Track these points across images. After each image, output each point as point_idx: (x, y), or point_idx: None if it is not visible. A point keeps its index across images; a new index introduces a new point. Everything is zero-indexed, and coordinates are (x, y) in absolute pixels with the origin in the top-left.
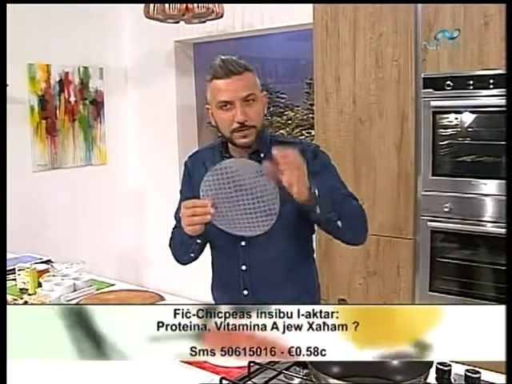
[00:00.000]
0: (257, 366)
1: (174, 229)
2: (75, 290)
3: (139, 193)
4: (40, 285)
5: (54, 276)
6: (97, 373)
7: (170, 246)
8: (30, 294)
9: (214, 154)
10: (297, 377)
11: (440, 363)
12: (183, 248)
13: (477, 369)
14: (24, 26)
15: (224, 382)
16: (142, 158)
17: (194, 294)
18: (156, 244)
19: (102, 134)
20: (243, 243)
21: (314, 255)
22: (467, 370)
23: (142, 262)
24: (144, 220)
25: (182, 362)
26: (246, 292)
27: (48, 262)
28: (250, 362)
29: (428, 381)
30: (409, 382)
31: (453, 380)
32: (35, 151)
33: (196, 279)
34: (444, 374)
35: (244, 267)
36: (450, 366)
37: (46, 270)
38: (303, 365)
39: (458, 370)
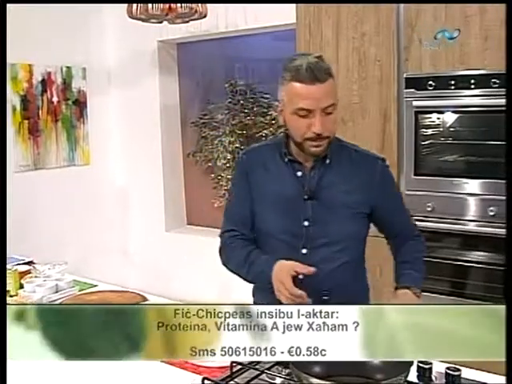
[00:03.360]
0: (239, 366)
1: (224, 232)
2: (57, 291)
3: (123, 193)
4: (22, 286)
5: (36, 277)
6: (79, 373)
7: (220, 252)
8: (11, 296)
9: (274, 155)
10: (279, 376)
11: (421, 361)
12: (239, 269)
13: (457, 366)
14: (6, 24)
15: (206, 382)
16: (126, 159)
17: (178, 295)
18: (140, 244)
19: (85, 134)
20: (304, 251)
21: None
22: (448, 368)
23: (126, 263)
24: (128, 220)
25: (165, 362)
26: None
27: (30, 263)
28: (232, 362)
29: (409, 379)
30: (389, 380)
31: (434, 378)
32: (17, 152)
33: (179, 279)
34: (425, 372)
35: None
36: (430, 364)
37: (28, 272)
38: (285, 364)
39: (438, 368)
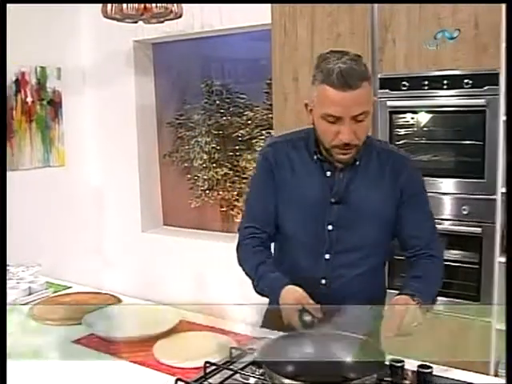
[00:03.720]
0: (213, 367)
1: (243, 229)
2: (31, 294)
3: (99, 194)
4: None
5: (9, 279)
6: (49, 373)
7: (237, 249)
8: None
9: (301, 151)
10: (253, 376)
11: (393, 360)
12: (250, 276)
13: (428, 364)
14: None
15: (179, 383)
16: (102, 159)
17: (154, 296)
18: (116, 245)
19: (60, 134)
20: (327, 256)
21: None
22: (419, 366)
23: (102, 264)
24: (104, 221)
25: (139, 363)
26: None
27: None
28: (206, 363)
29: (381, 376)
30: (362, 379)
31: (405, 376)
32: None
33: (156, 280)
34: (397, 371)
35: (324, 281)
36: (402, 362)
37: None
38: (259, 365)
39: (410, 366)
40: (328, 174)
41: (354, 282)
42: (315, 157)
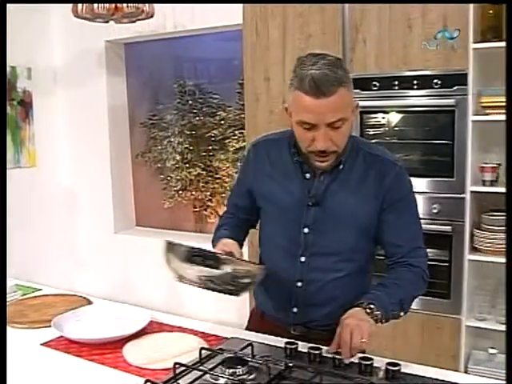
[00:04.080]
0: (183, 368)
1: (224, 213)
2: None
3: (71, 195)
4: None
5: None
6: (17, 378)
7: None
8: None
9: (283, 152)
10: (222, 377)
11: (361, 358)
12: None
13: (396, 361)
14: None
15: None
16: (73, 160)
17: (127, 297)
18: (88, 246)
19: (30, 135)
20: (302, 259)
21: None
22: (388, 363)
23: (74, 265)
24: (76, 222)
25: (109, 366)
26: (295, 309)
27: None
28: (175, 364)
29: (350, 374)
30: None
31: (374, 373)
32: None
33: (128, 282)
34: (366, 368)
35: (300, 284)
36: (371, 359)
37: None
38: (228, 365)
39: (379, 364)
40: (307, 176)
41: (331, 286)
42: (295, 159)
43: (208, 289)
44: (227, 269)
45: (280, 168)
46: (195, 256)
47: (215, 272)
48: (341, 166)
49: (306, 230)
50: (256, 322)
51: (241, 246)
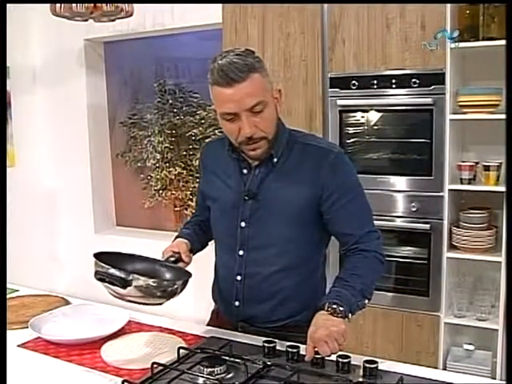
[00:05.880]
0: (160, 367)
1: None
2: None
3: (50, 195)
4: None
5: None
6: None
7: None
8: None
9: (224, 152)
10: (201, 376)
11: (339, 355)
12: None
13: (374, 359)
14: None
15: None
16: (53, 159)
17: (107, 299)
18: (68, 247)
19: (9, 135)
20: (241, 253)
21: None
22: (365, 361)
23: (54, 266)
24: (55, 223)
25: (86, 366)
26: (237, 303)
27: None
28: (153, 363)
29: (328, 372)
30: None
31: (352, 371)
32: None
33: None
34: (344, 366)
35: (239, 277)
36: (349, 357)
37: None
38: (206, 365)
39: (356, 361)
40: (244, 171)
41: (272, 280)
42: (233, 156)
43: (130, 302)
44: (135, 283)
45: (222, 166)
46: (100, 280)
47: (121, 291)
48: (275, 159)
49: (242, 224)
50: (213, 319)
51: (201, 243)
